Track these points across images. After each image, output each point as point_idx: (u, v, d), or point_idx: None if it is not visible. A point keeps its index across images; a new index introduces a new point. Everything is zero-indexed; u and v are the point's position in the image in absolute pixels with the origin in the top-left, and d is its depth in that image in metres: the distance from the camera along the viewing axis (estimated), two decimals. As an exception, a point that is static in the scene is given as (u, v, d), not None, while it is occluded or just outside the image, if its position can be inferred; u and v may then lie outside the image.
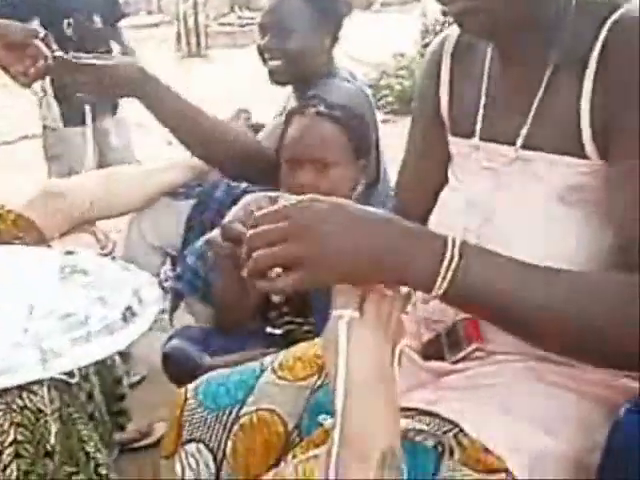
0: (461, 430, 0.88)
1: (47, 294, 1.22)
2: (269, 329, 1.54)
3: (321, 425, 0.99)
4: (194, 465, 1.04)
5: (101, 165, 2.93)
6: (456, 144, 1.07)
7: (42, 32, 1.57)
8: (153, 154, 3.68)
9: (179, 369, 1.50)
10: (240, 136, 1.76)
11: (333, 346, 0.78)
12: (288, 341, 1.39)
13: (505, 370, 0.95)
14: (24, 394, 1.06)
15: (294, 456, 0.94)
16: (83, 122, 2.94)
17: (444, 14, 5.88)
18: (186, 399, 1.09)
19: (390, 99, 6.08)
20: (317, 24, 1.83)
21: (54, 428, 1.06)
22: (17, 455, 1.05)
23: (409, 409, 0.92)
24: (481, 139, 1.01)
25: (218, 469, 1.04)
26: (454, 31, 1.07)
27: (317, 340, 1.13)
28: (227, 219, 1.03)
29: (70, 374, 1.08)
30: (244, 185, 2.01)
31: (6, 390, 1.06)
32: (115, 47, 2.98)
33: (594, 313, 0.77)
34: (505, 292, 0.77)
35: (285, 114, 1.69)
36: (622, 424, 0.86)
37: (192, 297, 1.79)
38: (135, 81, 1.56)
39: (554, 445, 0.88)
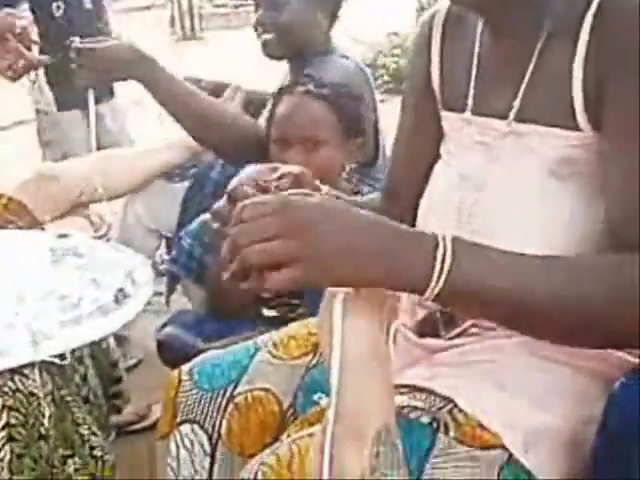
0: (456, 406, 0.88)
1: (39, 276, 1.22)
2: (265, 311, 1.54)
3: (316, 404, 0.99)
4: (189, 445, 1.04)
5: (96, 149, 2.91)
6: (448, 119, 1.06)
7: (21, 23, 1.54)
8: (149, 132, 3.67)
9: (174, 356, 1.50)
10: (236, 118, 1.78)
11: (328, 324, 0.77)
12: (283, 323, 1.38)
13: (499, 346, 0.94)
14: (16, 377, 1.05)
15: (289, 435, 0.95)
16: (76, 106, 2.92)
17: (439, -8, 5.82)
18: (180, 380, 1.08)
19: (386, 78, 6.06)
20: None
21: (48, 411, 1.05)
22: (10, 438, 1.05)
23: (404, 386, 0.92)
24: (473, 113, 1.00)
25: (213, 449, 1.03)
26: (444, 4, 1.07)
27: (311, 319, 1.13)
28: (230, 187, 1.01)
29: (62, 357, 1.07)
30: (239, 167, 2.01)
31: (-2, 373, 1.06)
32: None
33: (594, 297, 0.76)
34: (500, 288, 0.75)
35: (274, 93, 1.70)
36: (617, 397, 0.86)
37: (188, 279, 1.79)
38: (132, 63, 1.61)
39: (549, 420, 0.88)
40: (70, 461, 1.10)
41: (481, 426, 0.86)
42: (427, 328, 1.02)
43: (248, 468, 0.86)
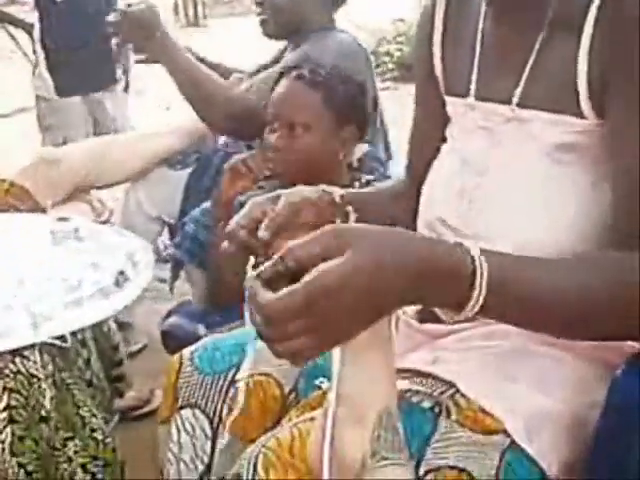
0: (458, 391, 0.88)
1: (40, 259, 1.22)
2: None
3: (318, 388, 0.99)
4: (190, 430, 1.04)
5: (97, 135, 2.91)
6: (452, 104, 1.05)
7: None
8: (151, 121, 3.66)
9: (178, 345, 1.50)
10: (241, 94, 1.82)
11: None
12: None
13: (501, 331, 0.94)
14: (17, 359, 1.06)
15: (290, 419, 0.95)
16: (76, 92, 2.92)
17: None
18: (181, 364, 1.08)
19: (390, 66, 6.03)
20: None
21: (48, 393, 1.05)
22: (11, 420, 1.05)
23: (406, 370, 0.92)
24: (476, 98, 1.00)
25: (214, 434, 1.04)
26: None
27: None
28: (231, 226, 1.00)
29: (63, 339, 1.07)
30: (242, 154, 2.00)
31: (-1, 355, 1.06)
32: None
33: (595, 293, 0.76)
34: (533, 292, 0.75)
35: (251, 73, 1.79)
36: (619, 383, 0.86)
37: (191, 265, 1.79)
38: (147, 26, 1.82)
39: (551, 405, 0.88)
40: (71, 443, 1.11)
41: (483, 411, 0.86)
42: (428, 314, 1.02)
43: (249, 452, 0.86)
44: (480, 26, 1.00)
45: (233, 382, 1.04)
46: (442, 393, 0.88)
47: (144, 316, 2.41)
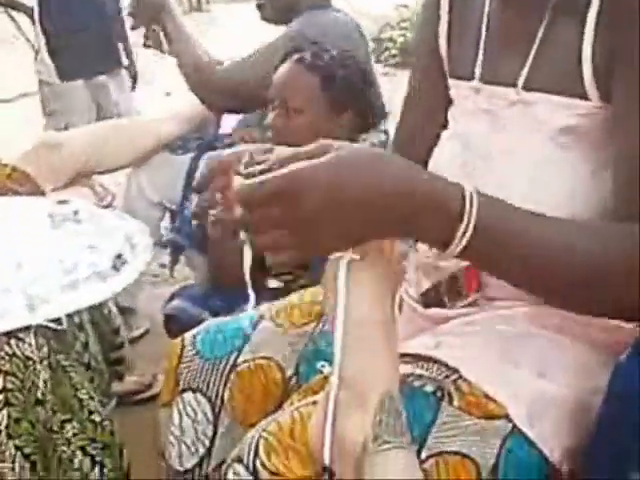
0: (460, 376, 0.88)
1: (38, 242, 1.22)
2: (269, 282, 1.53)
3: (320, 372, 0.99)
4: (192, 414, 1.04)
5: (101, 120, 2.90)
6: (455, 87, 1.04)
7: None
8: (155, 107, 3.65)
9: (181, 329, 1.50)
10: (232, 69, 1.92)
11: (332, 287, 0.76)
12: (287, 294, 1.38)
13: (505, 316, 0.94)
14: (12, 341, 1.05)
15: (292, 403, 0.94)
16: (79, 76, 2.90)
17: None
18: (183, 348, 1.08)
19: (393, 52, 6.00)
20: None
21: (43, 376, 1.05)
22: (7, 403, 1.05)
23: (408, 355, 0.92)
24: (481, 81, 0.99)
25: (216, 418, 1.03)
26: None
27: (314, 288, 1.12)
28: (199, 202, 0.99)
29: (58, 321, 1.07)
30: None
31: (-6, 337, 1.06)
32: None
33: (597, 259, 0.76)
34: (521, 241, 0.74)
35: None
36: (623, 369, 0.85)
37: (191, 249, 1.79)
38: (161, 11, 1.91)
39: (554, 391, 0.88)
40: (68, 425, 1.10)
41: (486, 396, 0.86)
42: (432, 299, 1.01)
43: (250, 436, 0.86)
44: (486, 9, 0.99)
45: (234, 366, 1.04)
46: (445, 378, 0.88)
47: (146, 301, 2.41)
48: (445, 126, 1.07)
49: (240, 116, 2.19)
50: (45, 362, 1.08)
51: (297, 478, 0.80)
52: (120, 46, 3.01)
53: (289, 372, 1.03)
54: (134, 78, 3.13)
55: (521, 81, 0.93)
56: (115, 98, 3.01)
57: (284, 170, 0.69)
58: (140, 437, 1.41)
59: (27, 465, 1.07)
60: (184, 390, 1.05)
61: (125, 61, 3.03)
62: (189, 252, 1.84)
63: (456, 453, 0.82)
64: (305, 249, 0.71)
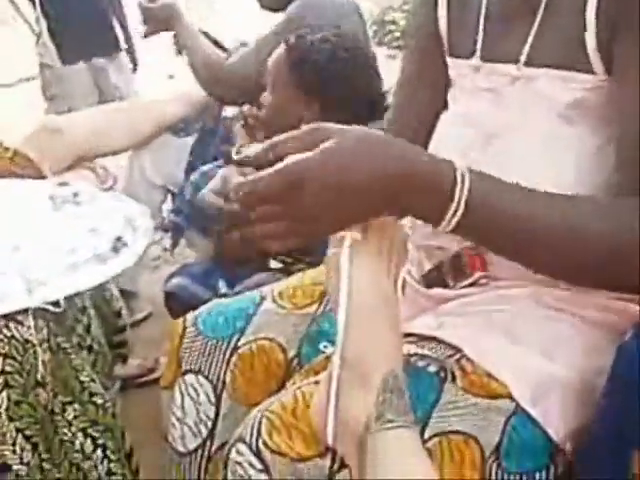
0: (463, 355, 0.87)
1: (38, 225, 1.21)
2: (271, 262, 1.53)
3: (322, 353, 0.98)
4: (194, 395, 1.03)
5: (102, 103, 2.89)
6: (455, 66, 1.03)
7: None
8: (155, 91, 3.65)
9: (181, 307, 1.50)
10: (235, 64, 1.94)
11: (335, 267, 0.76)
12: (289, 274, 1.38)
13: (508, 296, 0.93)
14: (11, 324, 1.05)
15: (294, 383, 0.94)
16: (81, 58, 2.90)
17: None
18: (185, 328, 1.07)
19: (396, 34, 5.96)
20: None
21: (43, 358, 1.05)
22: (7, 385, 1.05)
23: (411, 335, 0.91)
24: (481, 59, 0.97)
25: (218, 399, 1.03)
26: None
27: (317, 269, 1.12)
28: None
29: (57, 304, 1.07)
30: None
31: (-7, 320, 1.06)
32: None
33: (594, 235, 0.77)
34: (514, 218, 0.76)
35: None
36: (627, 349, 0.84)
37: (191, 231, 1.78)
38: (170, 18, 2.01)
39: (558, 371, 0.87)
40: (69, 408, 1.10)
41: (489, 375, 0.85)
42: (434, 279, 1.01)
43: (252, 416, 0.85)
44: None
45: (236, 348, 1.03)
46: (448, 357, 0.87)
47: (149, 284, 2.42)
48: (445, 107, 1.06)
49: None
50: (44, 345, 1.07)
51: (300, 457, 0.80)
52: (118, 30, 3.00)
53: (291, 353, 1.03)
54: (134, 62, 3.12)
55: (523, 57, 0.91)
56: (115, 81, 3.00)
57: (281, 166, 0.70)
58: (143, 420, 1.42)
59: (28, 447, 1.08)
60: (186, 372, 1.05)
61: (124, 44, 3.02)
62: (189, 233, 1.84)
63: (459, 432, 0.81)
64: (306, 235, 0.73)
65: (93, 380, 1.13)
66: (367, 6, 5.80)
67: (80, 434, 1.12)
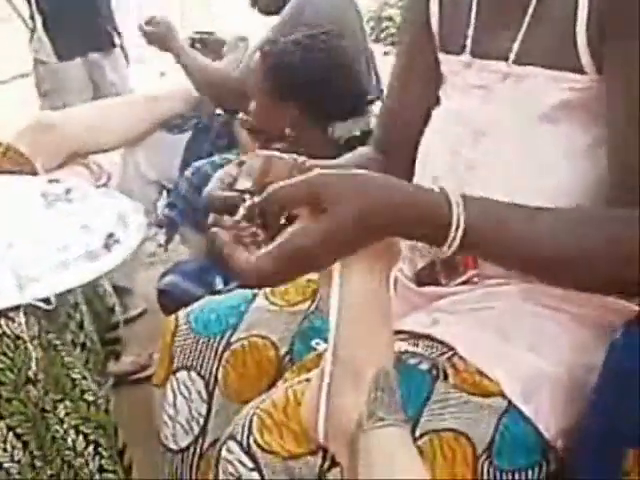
0: (456, 353, 0.87)
1: (30, 222, 1.21)
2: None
3: (314, 350, 0.98)
4: (186, 392, 1.03)
5: (97, 99, 2.88)
6: (446, 62, 1.03)
7: None
8: (150, 88, 3.63)
9: (174, 304, 1.50)
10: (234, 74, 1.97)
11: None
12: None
13: (499, 293, 0.93)
14: (2, 321, 1.05)
15: (286, 381, 0.94)
16: (76, 54, 2.89)
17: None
18: (177, 325, 1.07)
19: (392, 31, 5.95)
20: None
21: (34, 355, 1.05)
22: None
23: (403, 332, 0.91)
24: (472, 55, 0.97)
25: (210, 396, 1.03)
26: None
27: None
28: (207, 190, 0.99)
29: (47, 301, 1.06)
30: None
31: (-17, 318, 1.05)
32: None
33: (594, 249, 0.77)
34: (510, 242, 0.77)
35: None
36: (618, 346, 0.85)
37: (185, 226, 1.78)
38: (164, 38, 2.10)
39: (549, 368, 0.87)
40: (61, 405, 1.10)
41: (480, 373, 0.86)
42: (427, 277, 1.01)
43: (244, 413, 0.85)
44: None
45: (229, 344, 1.03)
46: (440, 355, 0.88)
47: (143, 281, 2.41)
48: (437, 103, 1.05)
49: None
50: (36, 341, 1.07)
51: (291, 455, 0.80)
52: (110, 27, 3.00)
53: (283, 350, 1.03)
54: (125, 59, 3.11)
55: (513, 54, 0.91)
56: (110, 77, 2.99)
57: (288, 241, 0.71)
58: (137, 417, 1.41)
59: (19, 445, 1.07)
60: (178, 369, 1.05)
61: (117, 41, 3.02)
62: (183, 229, 1.84)
63: (451, 430, 0.81)
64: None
65: (85, 377, 1.13)
66: (365, 2, 5.80)
67: (72, 431, 1.12)
